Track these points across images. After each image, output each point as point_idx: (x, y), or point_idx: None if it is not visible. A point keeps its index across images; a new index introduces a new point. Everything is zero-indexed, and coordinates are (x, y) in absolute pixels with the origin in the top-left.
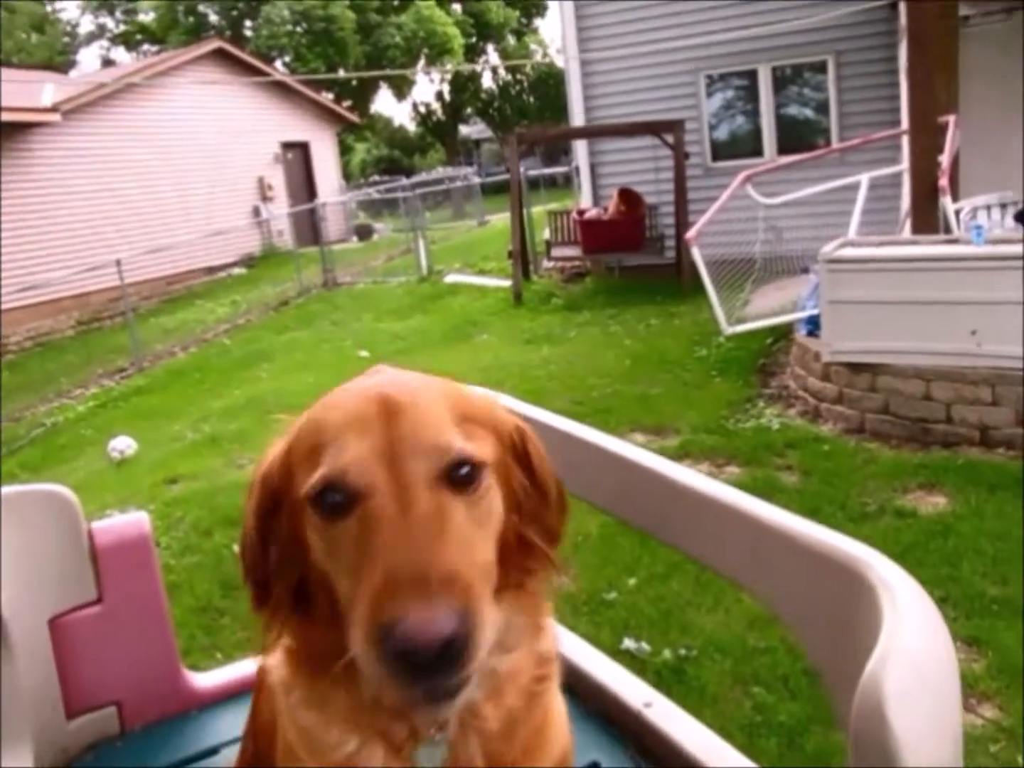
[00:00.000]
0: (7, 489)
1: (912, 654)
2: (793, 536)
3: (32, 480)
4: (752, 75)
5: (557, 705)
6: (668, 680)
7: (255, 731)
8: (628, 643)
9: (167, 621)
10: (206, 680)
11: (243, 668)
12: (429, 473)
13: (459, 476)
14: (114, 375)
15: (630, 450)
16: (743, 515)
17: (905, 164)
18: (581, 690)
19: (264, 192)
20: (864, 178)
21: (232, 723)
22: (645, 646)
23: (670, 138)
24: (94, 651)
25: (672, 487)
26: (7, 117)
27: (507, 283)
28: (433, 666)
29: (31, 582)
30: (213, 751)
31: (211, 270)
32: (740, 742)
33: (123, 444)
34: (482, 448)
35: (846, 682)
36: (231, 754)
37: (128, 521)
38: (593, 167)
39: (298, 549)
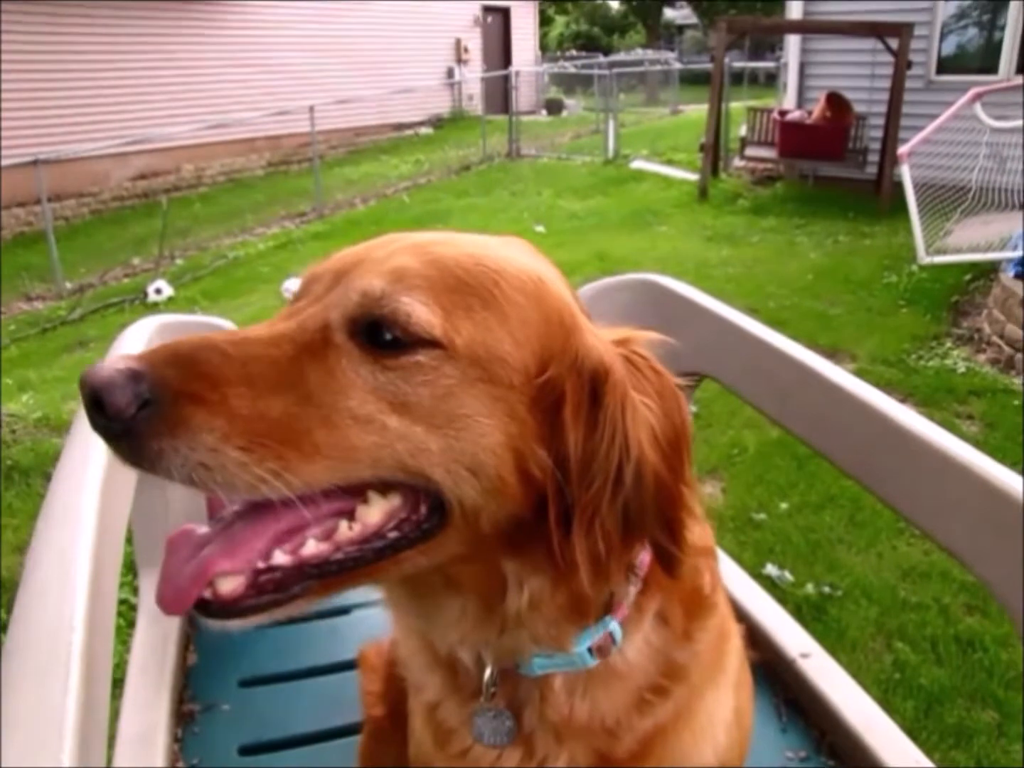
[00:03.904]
0: (174, 316)
1: None
2: None
3: (209, 309)
4: None
5: (707, 718)
6: (807, 617)
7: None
8: (770, 569)
9: None
10: None
11: None
12: (342, 315)
13: (381, 338)
14: (295, 218)
15: (833, 371)
16: (978, 477)
17: None
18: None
19: (460, 54)
20: None
21: None
22: (788, 576)
23: (894, 43)
24: None
25: (880, 422)
26: None
27: (694, 177)
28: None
29: None
30: (344, 611)
31: (399, 127)
32: (873, 699)
33: (296, 286)
34: (462, 329)
35: None
36: (361, 616)
37: None
38: (803, 66)
39: None
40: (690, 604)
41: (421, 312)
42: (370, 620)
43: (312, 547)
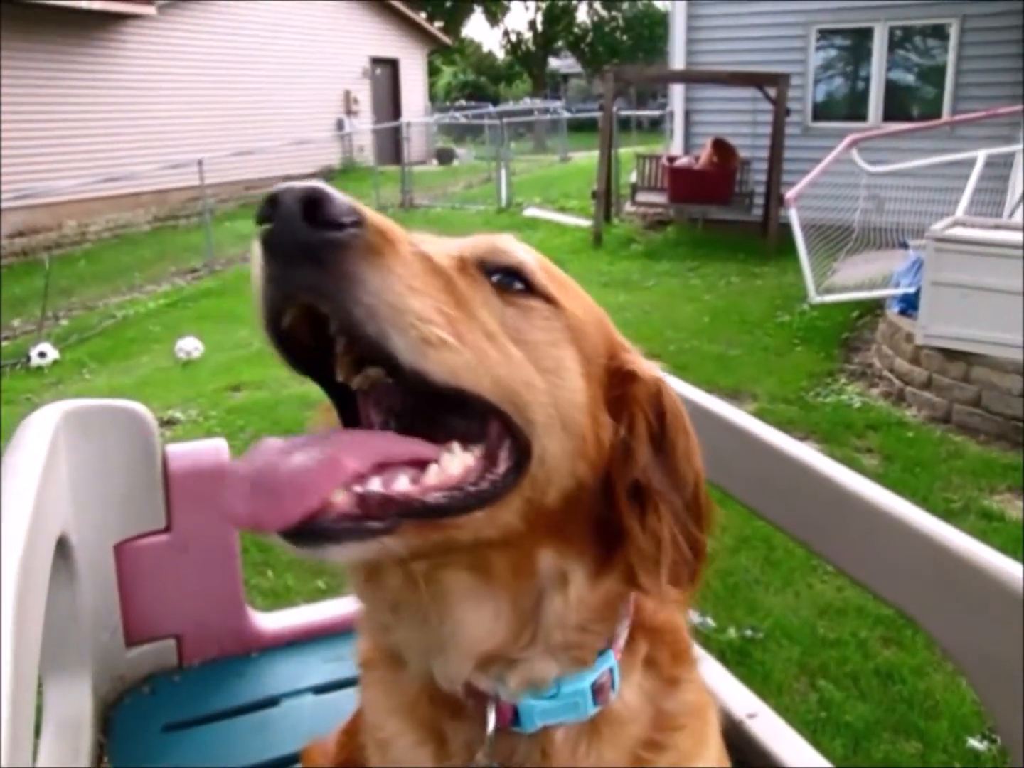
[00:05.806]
0: (80, 402)
1: None
2: (982, 569)
3: (98, 371)
4: (866, 33)
5: None
6: (731, 661)
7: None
8: (693, 617)
9: (236, 557)
10: (269, 622)
11: (308, 613)
12: (473, 254)
13: (499, 278)
14: (186, 274)
15: (785, 441)
16: (922, 536)
17: None
18: None
19: (349, 106)
20: (981, 155)
21: (294, 672)
22: (710, 622)
23: (772, 92)
24: (158, 581)
25: (836, 492)
26: (104, 7)
27: (587, 223)
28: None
29: (99, 504)
30: (273, 701)
31: (290, 179)
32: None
33: (190, 345)
34: (563, 299)
35: None
36: (292, 706)
37: (205, 448)
38: (688, 114)
39: None
40: (673, 650)
41: (540, 272)
42: (302, 711)
43: (405, 484)
